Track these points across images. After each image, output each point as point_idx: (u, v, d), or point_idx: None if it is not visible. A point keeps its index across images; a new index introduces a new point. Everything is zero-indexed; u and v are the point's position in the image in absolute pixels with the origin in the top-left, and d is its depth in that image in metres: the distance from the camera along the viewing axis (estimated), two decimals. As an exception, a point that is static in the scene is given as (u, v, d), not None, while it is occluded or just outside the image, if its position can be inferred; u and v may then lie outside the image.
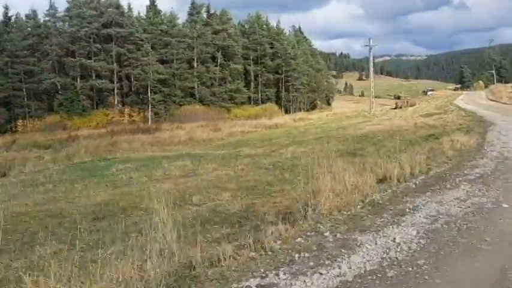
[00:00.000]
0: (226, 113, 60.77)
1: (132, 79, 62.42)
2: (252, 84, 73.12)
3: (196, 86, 64.59)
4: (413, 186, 7.33)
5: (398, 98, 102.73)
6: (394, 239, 4.74)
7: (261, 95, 73.43)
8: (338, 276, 3.90)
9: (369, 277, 3.84)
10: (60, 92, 57.25)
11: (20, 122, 54.78)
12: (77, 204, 11.31)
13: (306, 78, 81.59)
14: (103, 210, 10.06)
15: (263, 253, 4.50)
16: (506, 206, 5.76)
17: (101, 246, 5.27)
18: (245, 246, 4.63)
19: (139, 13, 70.58)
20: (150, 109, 59.71)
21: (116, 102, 60.63)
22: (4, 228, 4.73)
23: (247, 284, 3.83)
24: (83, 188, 13.79)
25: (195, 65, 65.45)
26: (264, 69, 73.97)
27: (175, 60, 63.88)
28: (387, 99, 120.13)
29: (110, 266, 3.98)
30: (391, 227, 5.18)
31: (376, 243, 4.63)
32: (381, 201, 6.39)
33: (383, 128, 23.09)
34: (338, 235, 5.00)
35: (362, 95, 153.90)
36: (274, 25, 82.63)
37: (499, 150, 10.40)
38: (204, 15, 71.87)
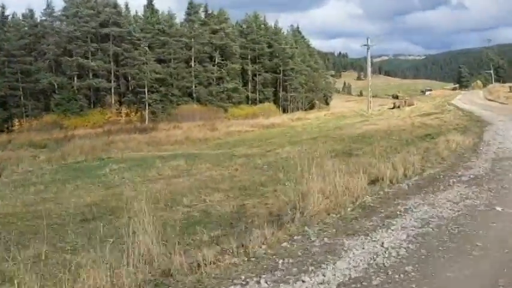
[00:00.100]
0: (223, 112, 60.57)
1: (130, 78, 62.18)
2: (250, 83, 72.89)
3: (193, 86, 64.38)
4: (406, 187, 7.18)
5: (397, 97, 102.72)
6: (383, 243, 4.57)
7: (259, 95, 73.25)
8: (321, 283, 3.73)
9: (353, 285, 3.67)
10: (57, 92, 56.96)
11: (16, 121, 54.50)
12: (66, 205, 11.16)
13: (304, 78, 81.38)
14: (92, 211, 9.92)
15: (246, 259, 4.33)
16: (500, 209, 5.59)
17: (81, 249, 5.11)
18: (228, 251, 4.46)
19: (136, 12, 70.45)
20: (147, 109, 59.48)
21: (113, 102, 60.33)
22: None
23: (226, 292, 3.66)
24: (74, 189, 13.66)
25: (193, 65, 65.22)
26: (261, 68, 73.75)
27: (172, 60, 63.64)
28: (385, 98, 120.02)
29: (84, 272, 3.81)
30: (380, 230, 5.02)
31: (363, 248, 4.46)
32: (371, 204, 6.23)
33: (380, 127, 22.96)
34: (325, 239, 4.83)
35: (360, 94, 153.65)
36: (272, 25, 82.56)
37: (495, 151, 10.25)
38: (202, 14, 71.64)
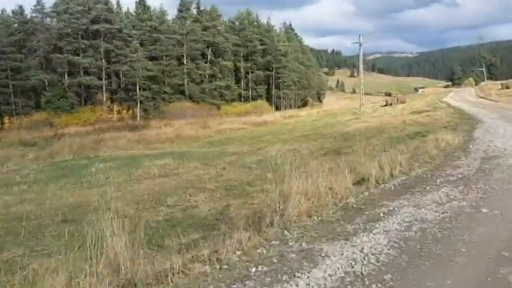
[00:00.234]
0: (216, 110, 60.28)
1: (121, 76, 61.73)
2: (242, 81, 72.66)
3: (185, 83, 64.02)
4: (392, 187, 6.97)
5: (389, 95, 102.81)
6: (363, 249, 4.35)
7: (251, 92, 73.03)
8: (294, 294, 3.50)
9: (327, 296, 3.45)
10: (47, 89, 56.45)
11: (6, 119, 53.99)
12: (48, 206, 10.90)
13: (296, 75, 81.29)
14: (73, 212, 9.68)
15: (218, 267, 4.08)
16: (486, 211, 5.39)
17: (55, 254, 4.84)
18: (199, 258, 4.21)
19: (128, 9, 70.11)
20: (139, 106, 59.05)
21: (104, 99, 59.89)
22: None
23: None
24: (58, 189, 13.37)
25: (185, 62, 64.85)
26: (254, 66, 73.55)
27: (164, 57, 63.24)
28: (378, 96, 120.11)
29: (44, 282, 3.56)
30: (361, 234, 4.79)
31: (342, 254, 4.23)
32: (355, 205, 6.01)
33: (371, 125, 22.82)
34: (303, 244, 4.60)
35: (354, 91, 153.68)
36: (265, 22, 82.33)
37: (484, 149, 10.07)
38: (194, 11, 71.31)
